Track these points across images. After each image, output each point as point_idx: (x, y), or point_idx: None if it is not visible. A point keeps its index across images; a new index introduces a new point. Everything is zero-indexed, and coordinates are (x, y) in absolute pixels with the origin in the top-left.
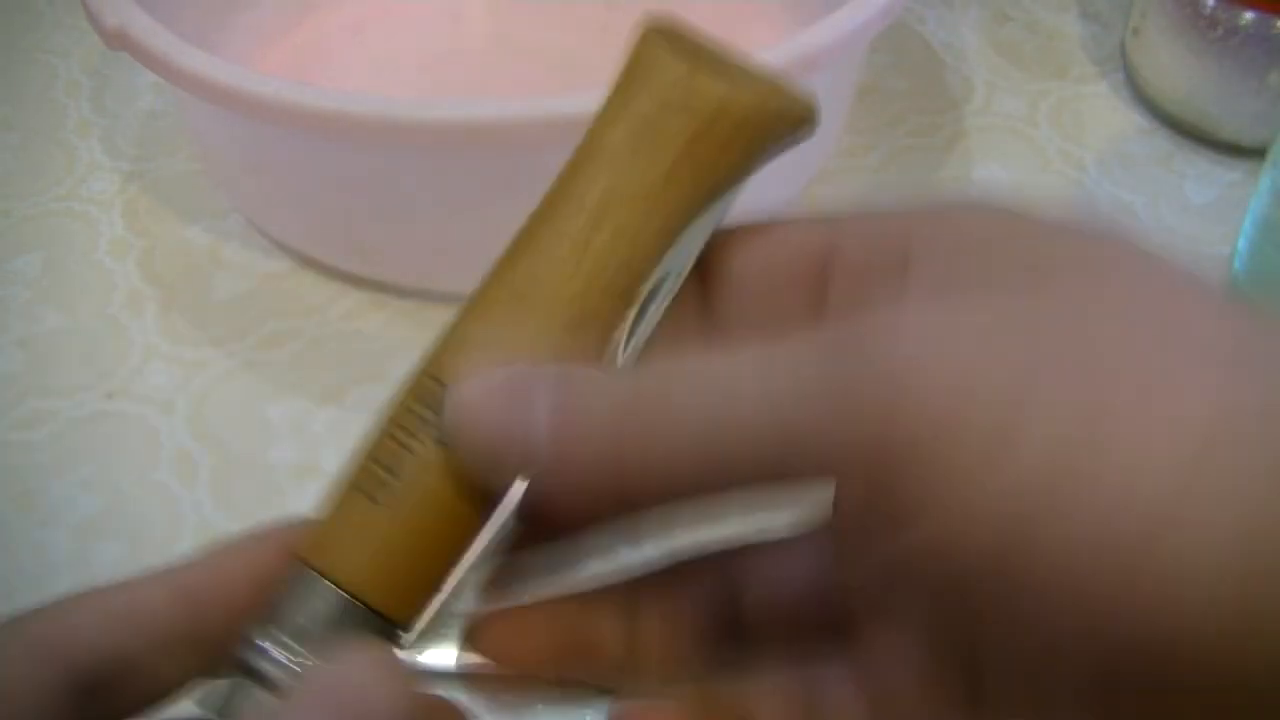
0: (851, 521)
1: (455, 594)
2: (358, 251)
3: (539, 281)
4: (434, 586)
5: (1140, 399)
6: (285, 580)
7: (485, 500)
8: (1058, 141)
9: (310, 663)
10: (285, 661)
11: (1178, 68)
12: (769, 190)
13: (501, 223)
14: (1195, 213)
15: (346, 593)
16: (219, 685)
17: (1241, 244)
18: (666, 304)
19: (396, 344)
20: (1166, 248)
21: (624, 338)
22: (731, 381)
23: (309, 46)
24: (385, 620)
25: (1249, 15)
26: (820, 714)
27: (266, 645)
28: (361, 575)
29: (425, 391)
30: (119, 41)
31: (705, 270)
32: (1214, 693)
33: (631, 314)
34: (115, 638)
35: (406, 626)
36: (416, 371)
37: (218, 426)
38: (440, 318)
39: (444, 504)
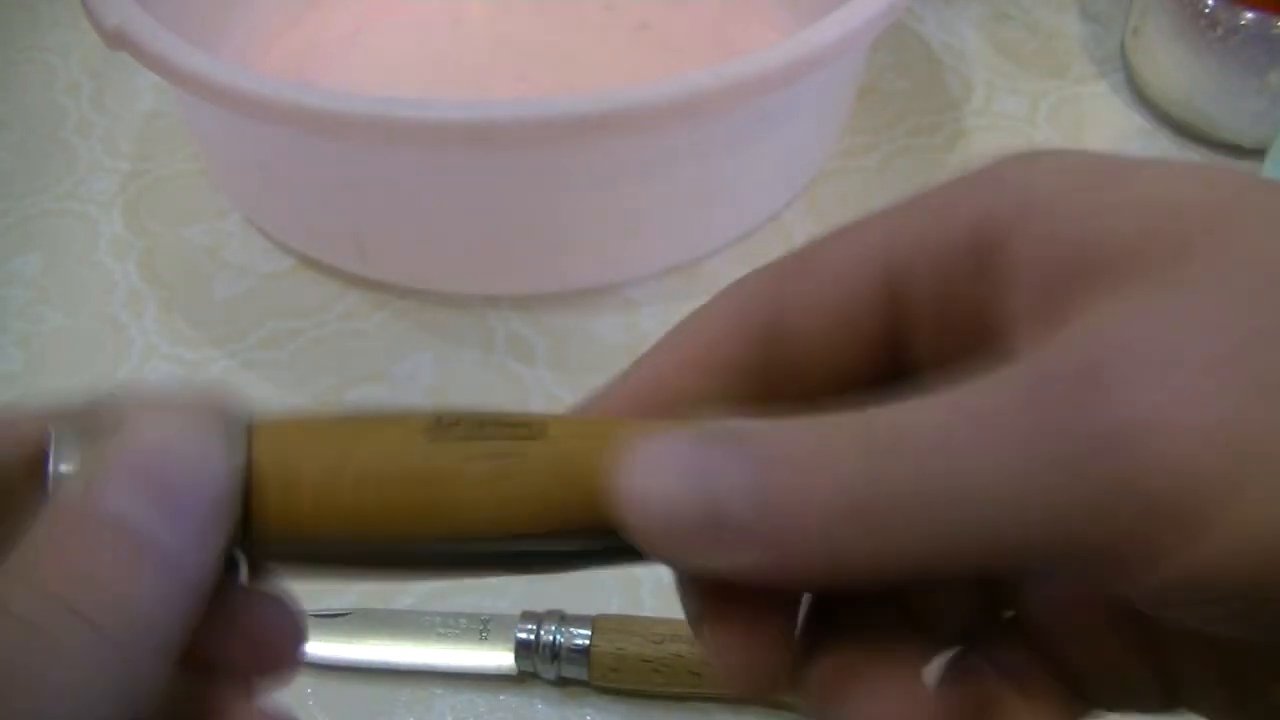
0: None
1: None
2: (358, 251)
3: None
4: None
5: None
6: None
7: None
8: (1058, 141)
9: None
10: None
11: (1178, 68)
12: (769, 191)
13: (501, 223)
14: None
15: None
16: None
17: None
18: None
19: (396, 344)
20: None
21: None
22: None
23: (309, 46)
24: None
25: (1249, 15)
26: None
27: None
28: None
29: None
30: (119, 41)
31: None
32: None
33: None
34: None
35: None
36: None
37: None
38: (440, 318)
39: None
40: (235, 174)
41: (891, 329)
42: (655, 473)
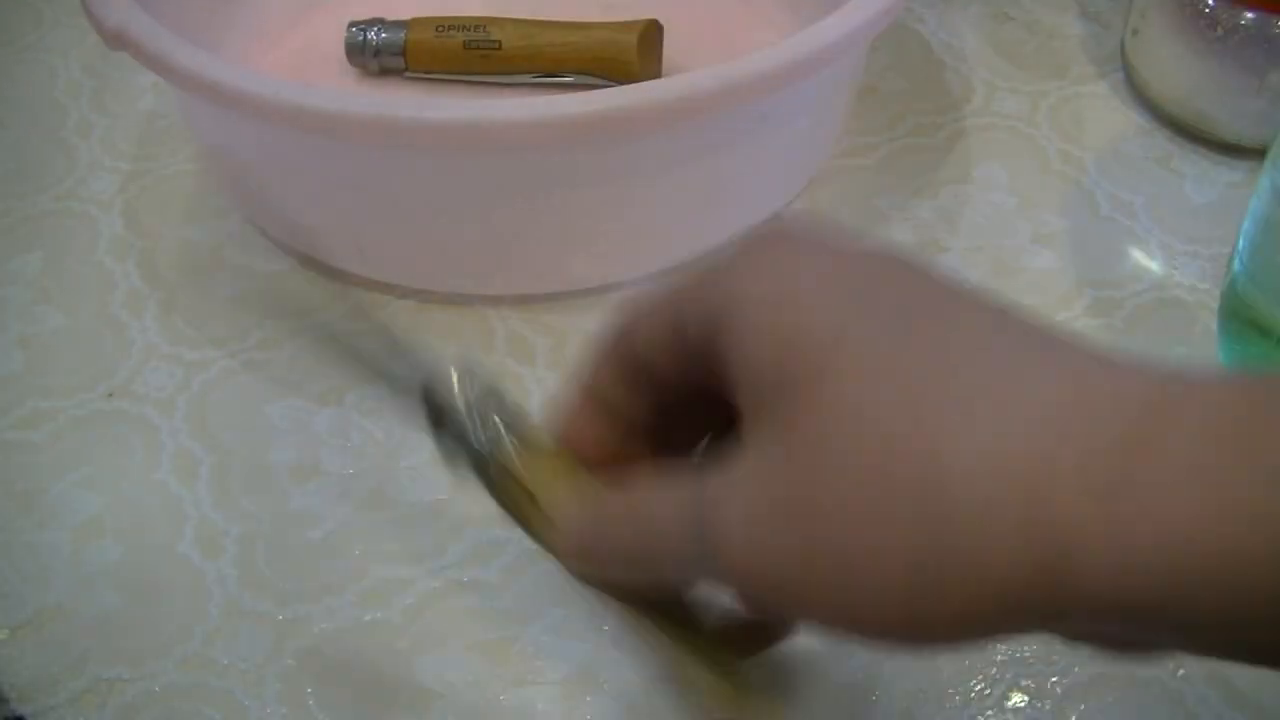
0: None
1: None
2: (358, 251)
3: None
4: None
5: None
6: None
7: None
8: (1057, 141)
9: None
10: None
11: (1178, 68)
12: (769, 191)
13: (501, 223)
14: (1195, 213)
15: None
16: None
17: (1241, 244)
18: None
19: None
20: (1166, 248)
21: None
22: (640, 523)
23: (309, 46)
24: None
25: (1249, 15)
26: None
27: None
28: None
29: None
30: (119, 41)
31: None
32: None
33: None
34: None
35: None
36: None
37: (218, 426)
38: (439, 318)
39: None
40: (235, 174)
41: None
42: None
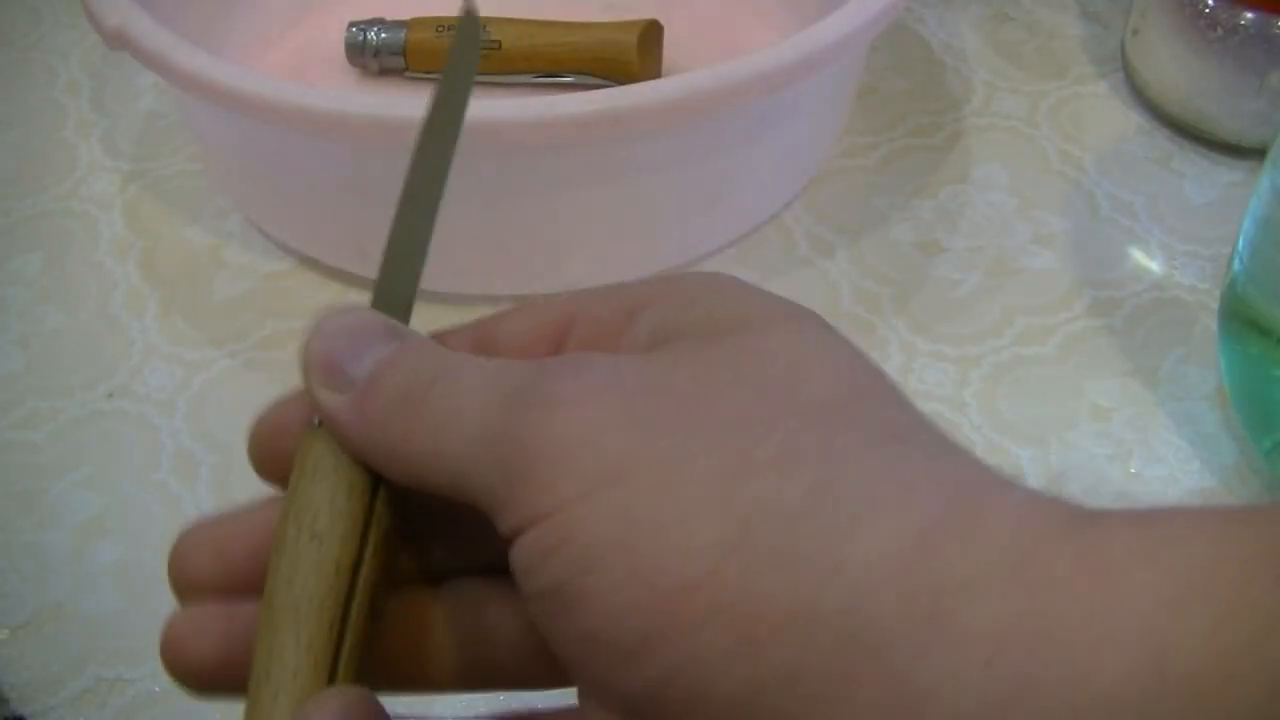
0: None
1: None
2: (358, 251)
3: None
4: None
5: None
6: None
7: None
8: (1057, 141)
9: None
10: None
11: (1178, 68)
12: (769, 191)
13: (501, 223)
14: (1195, 213)
15: None
16: None
17: (1241, 244)
18: None
19: None
20: (1166, 248)
21: None
22: (463, 395)
23: (309, 46)
24: None
25: (1249, 15)
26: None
27: None
28: None
29: None
30: (119, 41)
31: (481, 335)
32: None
33: None
34: None
35: None
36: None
37: (218, 426)
38: (439, 318)
39: None
40: (235, 174)
41: None
42: (330, 329)
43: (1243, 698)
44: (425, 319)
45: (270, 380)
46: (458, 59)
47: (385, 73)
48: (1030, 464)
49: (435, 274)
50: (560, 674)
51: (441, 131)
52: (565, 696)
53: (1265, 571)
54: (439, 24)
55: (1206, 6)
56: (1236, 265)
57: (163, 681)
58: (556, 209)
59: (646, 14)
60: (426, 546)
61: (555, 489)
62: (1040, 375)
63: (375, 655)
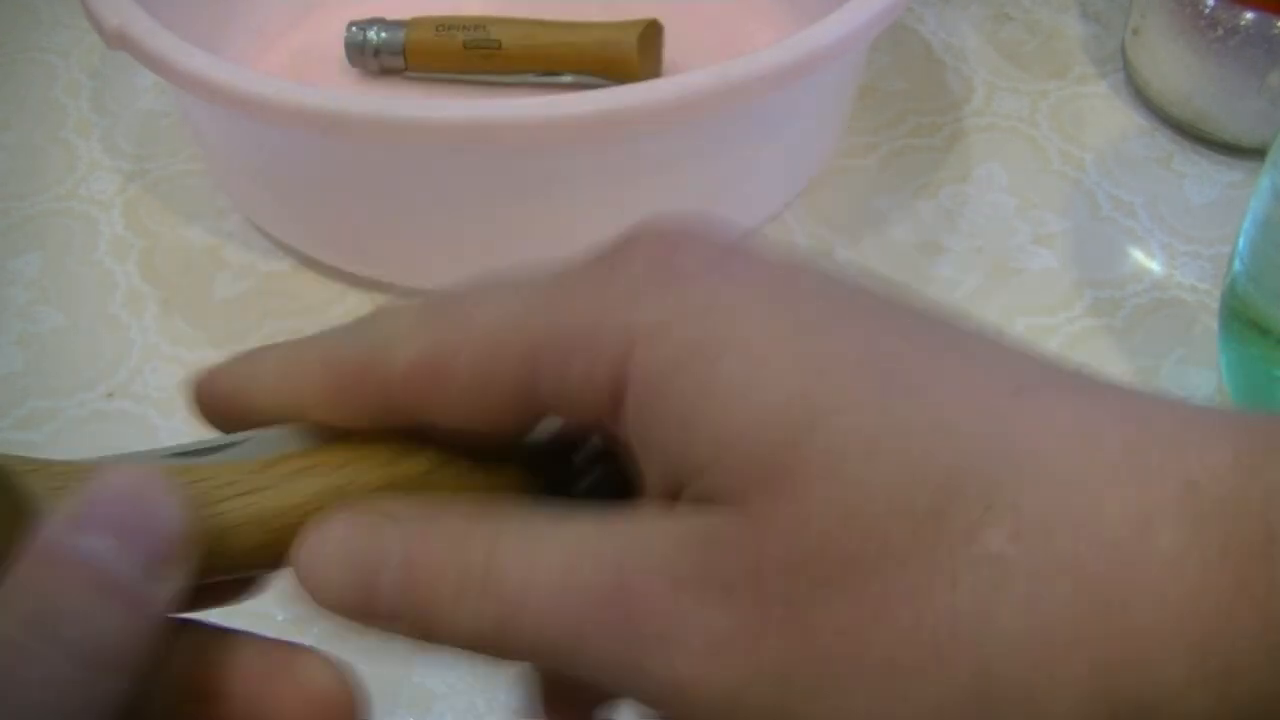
0: None
1: None
2: (358, 251)
3: None
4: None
5: None
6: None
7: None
8: (1058, 141)
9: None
10: None
11: (1178, 68)
12: (769, 191)
13: (501, 223)
14: (1195, 213)
15: None
16: None
17: (1241, 244)
18: None
19: None
20: (1166, 248)
21: None
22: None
23: (309, 46)
24: None
25: (1249, 15)
26: None
27: None
28: None
29: None
30: (119, 41)
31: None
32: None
33: None
34: None
35: None
36: None
37: None
38: None
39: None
40: (235, 174)
41: (530, 389)
42: (319, 563)
43: None
44: None
45: None
46: None
47: (385, 73)
48: None
49: (435, 274)
50: None
51: None
52: None
53: None
54: (439, 24)
55: (1206, 6)
56: (1236, 265)
57: None
58: (556, 209)
59: (646, 14)
60: None
61: None
62: None
63: None
